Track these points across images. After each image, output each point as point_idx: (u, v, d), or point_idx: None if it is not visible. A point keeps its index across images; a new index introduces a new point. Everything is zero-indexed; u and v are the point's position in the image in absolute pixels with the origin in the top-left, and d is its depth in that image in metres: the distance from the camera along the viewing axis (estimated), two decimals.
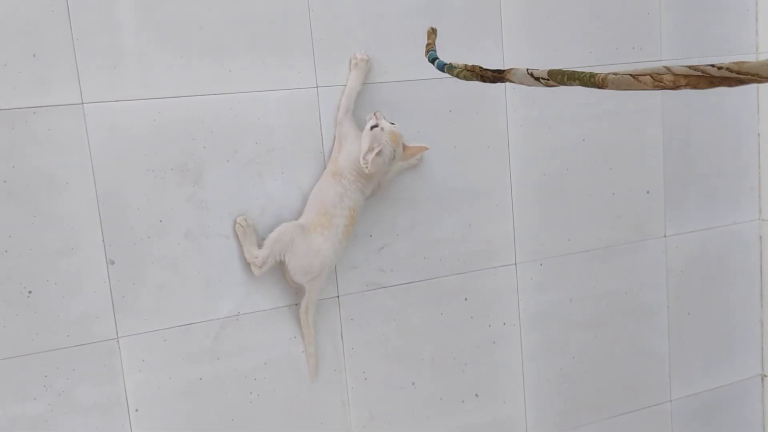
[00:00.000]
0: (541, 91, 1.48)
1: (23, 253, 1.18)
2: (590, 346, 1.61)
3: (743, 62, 0.57)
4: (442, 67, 0.98)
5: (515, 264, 1.52)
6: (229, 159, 1.28)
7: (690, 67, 0.62)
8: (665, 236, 1.65)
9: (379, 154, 1.25)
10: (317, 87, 1.32)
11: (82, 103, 1.18)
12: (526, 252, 1.53)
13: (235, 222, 1.28)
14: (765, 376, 1.79)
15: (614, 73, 0.69)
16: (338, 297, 1.38)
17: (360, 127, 1.31)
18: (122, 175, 1.22)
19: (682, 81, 0.63)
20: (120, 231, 1.23)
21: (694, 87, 0.64)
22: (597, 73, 0.70)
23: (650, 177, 1.62)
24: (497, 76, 0.86)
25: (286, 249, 1.27)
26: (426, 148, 1.35)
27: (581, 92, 1.49)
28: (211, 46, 1.25)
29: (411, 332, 1.45)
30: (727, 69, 0.57)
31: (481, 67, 0.90)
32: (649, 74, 0.66)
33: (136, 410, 1.26)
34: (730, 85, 0.60)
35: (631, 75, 0.67)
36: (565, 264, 1.56)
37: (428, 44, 1.08)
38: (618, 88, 0.70)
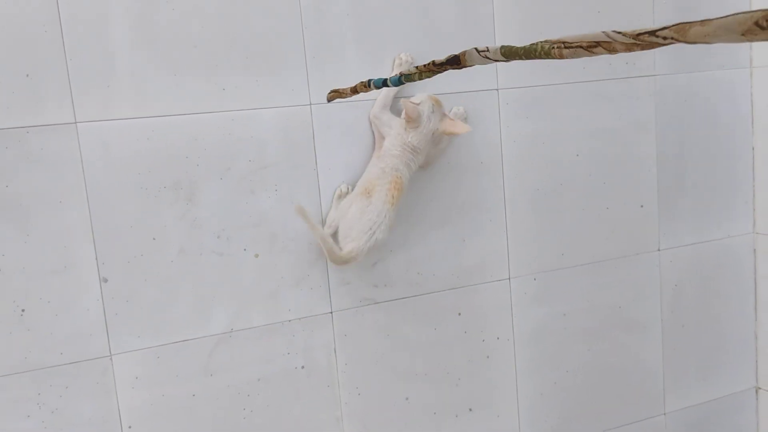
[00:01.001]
0: (535, 106, 1.49)
1: (17, 271, 1.18)
2: (584, 360, 1.61)
3: (686, 28, 0.57)
4: (398, 80, 0.96)
5: (509, 279, 1.52)
6: (222, 176, 1.29)
7: (634, 36, 0.62)
8: (659, 250, 1.66)
9: (420, 104, 1.27)
10: (311, 104, 1.33)
11: (76, 122, 1.19)
12: (519, 267, 1.53)
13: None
14: (759, 388, 1.79)
15: (567, 46, 0.68)
16: (332, 313, 1.39)
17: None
18: (115, 193, 1.22)
19: (633, 47, 0.63)
20: (113, 249, 1.23)
21: (643, 49, 0.64)
22: (551, 48, 0.70)
23: (644, 191, 1.62)
24: (454, 65, 0.84)
25: (341, 217, 1.31)
26: (468, 129, 1.32)
27: (574, 106, 1.50)
28: (205, 65, 1.25)
29: (404, 347, 1.45)
30: (672, 39, 0.57)
31: (434, 62, 0.89)
32: (600, 44, 0.66)
33: (130, 427, 1.26)
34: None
35: (582, 47, 0.67)
36: (559, 278, 1.57)
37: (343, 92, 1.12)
38: (574, 57, 0.70)
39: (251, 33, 1.28)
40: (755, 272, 1.76)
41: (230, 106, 1.28)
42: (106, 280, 1.23)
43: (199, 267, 1.29)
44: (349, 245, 1.29)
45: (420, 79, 0.90)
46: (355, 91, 1.10)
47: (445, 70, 0.87)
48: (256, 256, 1.32)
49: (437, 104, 1.31)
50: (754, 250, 1.75)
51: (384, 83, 0.97)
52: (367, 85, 1.04)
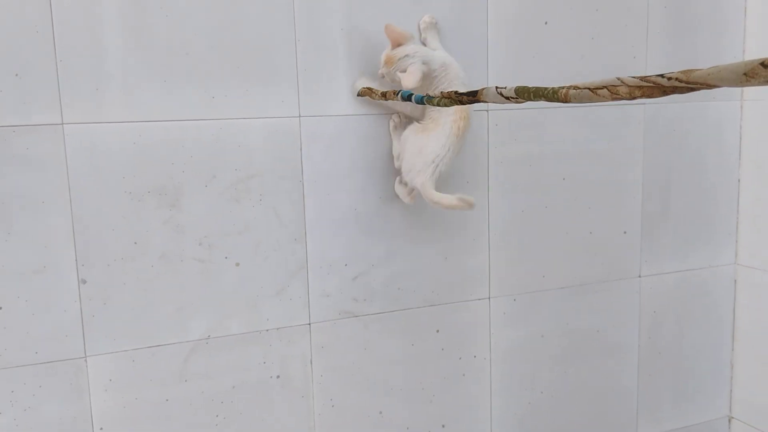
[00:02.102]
0: (524, 128, 1.50)
1: None
2: (559, 382, 1.63)
3: (691, 71, 0.59)
4: (421, 99, 1.07)
5: (489, 298, 1.53)
6: (207, 184, 1.29)
7: (641, 78, 0.65)
8: (640, 276, 1.67)
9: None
10: (300, 116, 1.33)
11: (63, 124, 1.19)
12: (500, 286, 1.54)
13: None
14: (732, 418, 1.81)
15: (575, 88, 0.72)
16: (309, 324, 1.39)
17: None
18: (99, 196, 1.22)
19: (637, 92, 0.66)
20: (94, 251, 1.23)
21: (649, 96, 0.66)
22: (560, 89, 0.74)
23: (628, 217, 1.64)
24: (472, 99, 0.90)
25: (402, 150, 1.31)
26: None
27: (563, 131, 1.51)
28: (196, 72, 1.26)
29: (381, 362, 1.46)
30: (677, 79, 0.59)
31: (456, 92, 0.95)
32: (606, 87, 0.69)
33: (101, 429, 1.27)
34: (681, 92, 0.63)
35: (590, 89, 0.70)
36: (538, 300, 1.58)
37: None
38: (580, 102, 0.73)
39: (244, 43, 1.28)
40: (734, 303, 1.78)
41: (219, 114, 1.28)
42: (84, 282, 1.23)
43: (180, 273, 1.29)
44: (417, 178, 1.28)
45: (440, 105, 1.01)
46: (384, 96, 1.27)
47: (462, 100, 0.95)
48: (237, 264, 1.32)
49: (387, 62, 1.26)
50: (735, 280, 1.77)
51: (408, 97, 1.14)
52: (396, 94, 1.21)
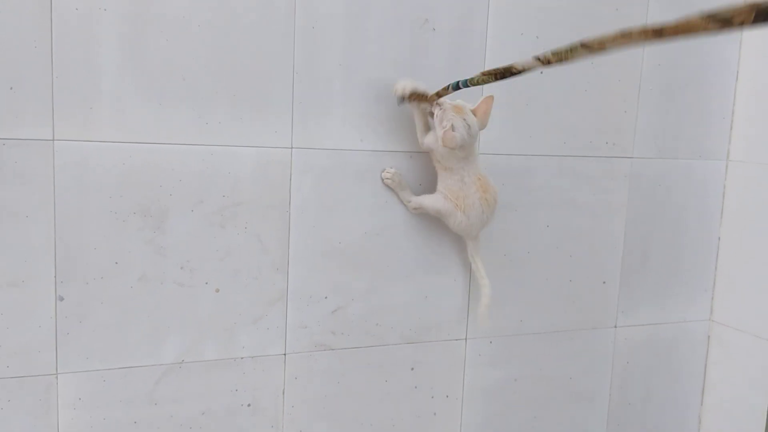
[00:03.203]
0: (511, 174, 1.51)
1: None
2: (529, 426, 1.63)
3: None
4: (466, 83, 1.19)
5: (466, 339, 1.54)
6: (193, 208, 1.29)
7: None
8: (615, 327, 1.69)
9: (452, 129, 1.29)
10: (292, 148, 1.34)
11: (53, 140, 1.19)
12: (477, 328, 1.55)
13: (383, 178, 1.40)
14: None
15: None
16: (285, 354, 1.39)
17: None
18: (84, 213, 1.22)
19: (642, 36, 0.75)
20: (74, 268, 1.23)
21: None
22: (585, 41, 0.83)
23: (608, 268, 1.66)
24: (507, 70, 1.02)
25: (443, 218, 1.41)
26: (491, 98, 1.34)
27: (550, 180, 1.53)
28: (192, 97, 1.26)
29: (353, 396, 1.46)
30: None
31: (493, 69, 1.06)
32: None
33: None
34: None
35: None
36: (514, 344, 1.59)
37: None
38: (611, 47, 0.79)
39: (242, 71, 1.29)
40: (706, 358, 1.80)
41: (212, 140, 1.28)
42: (62, 299, 1.23)
43: (158, 295, 1.29)
44: (467, 237, 1.45)
45: (479, 83, 1.12)
46: (438, 95, 1.32)
47: (499, 74, 1.04)
48: (217, 290, 1.32)
49: (461, 112, 1.32)
50: (708, 336, 1.79)
51: (457, 86, 1.24)
52: (448, 88, 1.28)
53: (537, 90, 1.51)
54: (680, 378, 1.79)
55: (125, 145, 1.23)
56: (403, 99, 1.35)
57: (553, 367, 1.64)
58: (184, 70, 1.25)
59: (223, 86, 1.28)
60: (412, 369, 1.50)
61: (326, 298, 1.41)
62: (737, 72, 1.71)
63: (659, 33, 0.70)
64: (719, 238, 1.76)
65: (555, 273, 1.60)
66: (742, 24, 0.59)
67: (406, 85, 1.34)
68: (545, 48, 1.49)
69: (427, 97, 1.33)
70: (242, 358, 1.36)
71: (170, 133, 1.26)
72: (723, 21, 0.61)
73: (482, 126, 1.35)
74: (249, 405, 1.38)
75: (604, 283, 1.66)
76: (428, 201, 1.41)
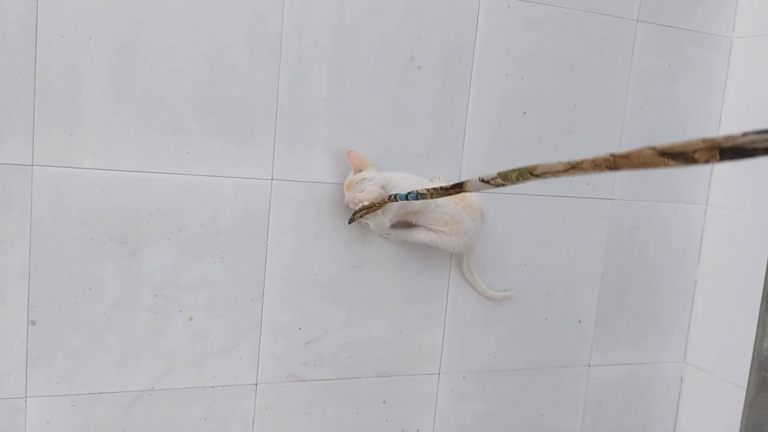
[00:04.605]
0: (490, 210, 1.52)
1: None
2: None
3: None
4: (416, 197, 1.19)
5: (439, 374, 1.55)
6: (171, 237, 1.30)
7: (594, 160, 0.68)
8: (589, 365, 1.70)
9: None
10: (272, 180, 1.35)
11: (32, 165, 1.19)
12: (451, 363, 1.55)
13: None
14: None
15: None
16: (256, 384, 1.39)
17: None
18: (60, 239, 1.22)
19: (593, 166, 0.69)
20: (47, 293, 1.23)
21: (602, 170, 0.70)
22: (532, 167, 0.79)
23: (584, 307, 1.67)
24: (458, 189, 1.02)
25: (437, 246, 1.43)
26: (349, 152, 1.35)
27: (530, 218, 1.54)
28: (174, 127, 1.27)
29: (324, 428, 1.46)
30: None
31: (442, 187, 1.08)
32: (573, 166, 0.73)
33: None
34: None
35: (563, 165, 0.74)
36: (488, 380, 1.60)
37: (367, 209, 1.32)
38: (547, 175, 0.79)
39: (226, 102, 1.29)
40: (679, 399, 1.81)
41: (192, 170, 1.29)
42: (34, 323, 1.23)
43: (131, 322, 1.29)
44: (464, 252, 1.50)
45: (431, 197, 1.14)
46: (380, 205, 1.32)
47: (449, 191, 1.06)
48: (190, 319, 1.33)
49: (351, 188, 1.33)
50: (681, 378, 1.80)
51: (405, 197, 1.23)
52: (392, 198, 1.29)
53: (518, 129, 1.53)
54: (652, 419, 1.80)
55: (104, 173, 1.24)
56: (352, 220, 1.37)
57: (525, 404, 1.64)
58: (167, 100, 1.26)
59: (206, 117, 1.29)
60: (384, 402, 1.51)
61: (300, 329, 1.41)
62: (720, 118, 1.73)
63: (612, 165, 0.68)
64: (696, 282, 1.78)
65: (530, 311, 1.61)
66: (707, 161, 0.57)
67: (353, 199, 1.33)
68: (529, 89, 1.52)
69: (370, 208, 1.32)
70: (213, 387, 1.36)
71: (150, 161, 1.26)
72: (682, 157, 0.58)
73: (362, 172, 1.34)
74: None
75: (579, 321, 1.67)
76: (416, 236, 1.42)
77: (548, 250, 1.60)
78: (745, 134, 0.54)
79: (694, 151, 0.57)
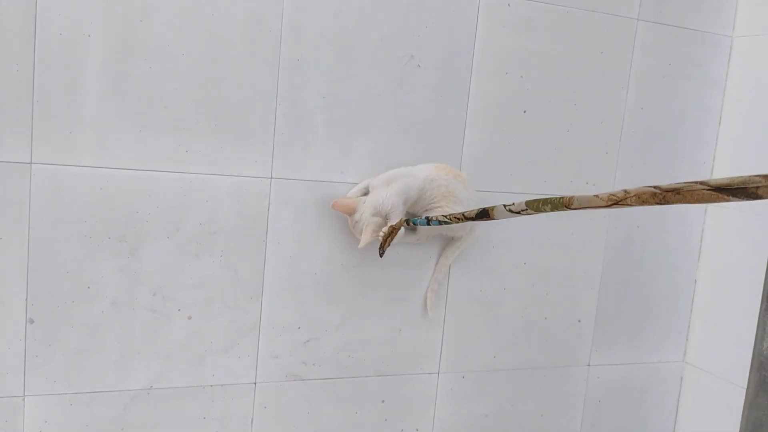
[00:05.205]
0: None
1: None
2: None
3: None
4: (438, 223, 1.22)
5: (438, 373, 1.54)
6: (169, 236, 1.29)
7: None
8: (589, 365, 1.69)
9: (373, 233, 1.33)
10: (271, 178, 1.34)
11: (31, 163, 1.19)
12: (450, 363, 1.55)
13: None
14: None
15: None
16: (255, 384, 1.39)
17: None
18: (58, 237, 1.22)
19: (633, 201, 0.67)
20: (45, 292, 1.23)
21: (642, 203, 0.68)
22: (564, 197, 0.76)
23: (584, 307, 1.66)
24: (484, 218, 1.01)
25: (448, 229, 1.45)
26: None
27: (528, 218, 1.54)
28: (172, 125, 1.26)
29: (322, 427, 1.46)
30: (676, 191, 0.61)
31: (464, 214, 1.07)
32: (609, 195, 0.71)
33: None
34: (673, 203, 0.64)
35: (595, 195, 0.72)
36: (487, 379, 1.59)
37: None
38: (580, 207, 0.74)
39: (225, 101, 1.29)
40: (679, 400, 1.81)
41: (191, 168, 1.29)
42: (32, 321, 1.23)
43: (129, 321, 1.28)
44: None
45: (448, 223, 1.17)
46: (396, 229, 1.34)
47: (471, 218, 1.06)
48: (189, 318, 1.32)
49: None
50: (681, 378, 1.80)
51: (427, 222, 1.28)
52: (408, 222, 1.33)
53: (519, 127, 1.52)
54: (651, 419, 1.79)
55: (103, 171, 1.23)
56: (383, 250, 1.37)
57: (524, 404, 1.64)
58: (166, 98, 1.25)
59: (204, 115, 1.28)
60: (383, 402, 1.51)
61: (299, 328, 1.41)
62: (720, 117, 1.73)
63: (662, 200, 0.65)
64: (695, 281, 1.78)
65: (530, 310, 1.61)
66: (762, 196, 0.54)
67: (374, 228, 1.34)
68: (529, 88, 1.51)
69: (389, 234, 1.34)
70: (211, 386, 1.36)
71: (149, 159, 1.26)
72: (744, 193, 0.56)
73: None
74: None
75: (579, 321, 1.66)
76: (427, 229, 1.42)
77: (548, 250, 1.60)
78: None
79: (757, 188, 0.55)
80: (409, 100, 1.42)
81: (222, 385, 1.37)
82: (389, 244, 1.34)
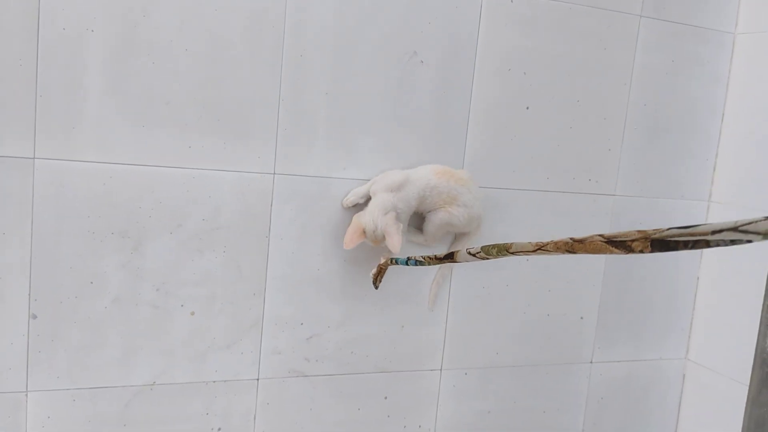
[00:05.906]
0: (491, 207, 1.52)
1: None
2: None
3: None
4: (415, 263, 1.22)
5: (441, 370, 1.54)
6: (172, 231, 1.29)
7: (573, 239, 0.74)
8: (591, 362, 1.69)
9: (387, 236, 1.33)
10: (274, 174, 1.34)
11: (34, 158, 1.19)
12: (453, 359, 1.55)
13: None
14: None
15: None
16: (258, 380, 1.39)
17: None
18: (61, 233, 1.22)
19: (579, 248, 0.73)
20: (48, 287, 1.22)
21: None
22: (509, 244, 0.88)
23: (586, 304, 1.66)
24: (450, 260, 1.06)
25: (449, 227, 1.45)
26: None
27: (531, 215, 1.54)
28: (175, 121, 1.26)
29: (325, 423, 1.46)
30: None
31: (436, 256, 1.13)
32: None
33: None
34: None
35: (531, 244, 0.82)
36: (489, 376, 1.59)
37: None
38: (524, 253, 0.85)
39: (227, 97, 1.29)
40: (681, 396, 1.81)
41: (194, 164, 1.29)
42: (35, 317, 1.22)
43: (132, 317, 1.28)
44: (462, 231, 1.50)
45: (427, 264, 1.18)
46: (390, 263, 1.36)
47: (441, 260, 1.10)
48: (192, 314, 1.32)
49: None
50: (684, 375, 1.80)
51: (406, 262, 1.27)
52: (393, 261, 1.33)
53: (522, 125, 1.52)
54: (654, 416, 1.79)
55: (106, 166, 1.23)
56: (377, 283, 1.38)
57: (527, 401, 1.64)
58: (168, 94, 1.25)
59: (207, 111, 1.28)
60: (386, 398, 1.50)
61: (302, 324, 1.41)
62: (723, 114, 1.73)
63: (570, 249, 0.74)
64: (698, 278, 1.77)
65: (533, 307, 1.61)
66: (641, 251, 0.61)
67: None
68: (532, 84, 1.51)
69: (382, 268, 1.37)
70: (214, 382, 1.36)
71: (152, 155, 1.26)
72: (623, 246, 0.63)
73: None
74: (219, 429, 1.37)
75: (581, 318, 1.66)
76: (432, 226, 1.43)
77: None
78: (669, 228, 0.58)
79: (632, 241, 0.62)
80: (411, 97, 1.42)
81: (225, 381, 1.36)
82: (381, 281, 1.37)
